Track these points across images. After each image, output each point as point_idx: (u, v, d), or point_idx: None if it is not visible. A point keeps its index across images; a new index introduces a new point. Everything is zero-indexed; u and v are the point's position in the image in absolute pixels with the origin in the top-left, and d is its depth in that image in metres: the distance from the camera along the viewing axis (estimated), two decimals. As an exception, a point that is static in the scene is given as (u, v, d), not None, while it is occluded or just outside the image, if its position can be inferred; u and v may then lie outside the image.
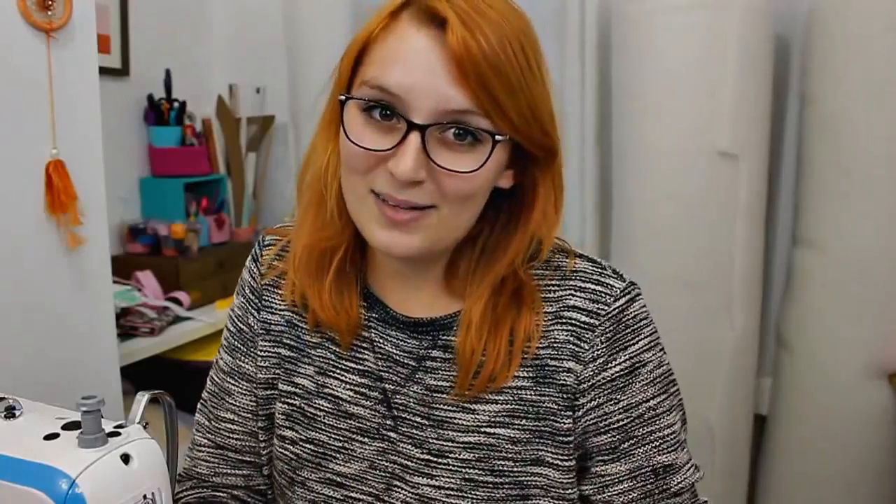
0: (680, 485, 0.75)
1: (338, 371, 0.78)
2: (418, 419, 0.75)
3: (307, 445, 0.79)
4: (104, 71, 1.46)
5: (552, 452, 0.73)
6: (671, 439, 0.75)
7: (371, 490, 0.76)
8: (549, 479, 0.73)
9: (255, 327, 0.83)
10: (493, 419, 0.73)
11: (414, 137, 0.64)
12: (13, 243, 1.15)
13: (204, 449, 0.86)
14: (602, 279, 0.74)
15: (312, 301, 0.77)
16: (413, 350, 0.76)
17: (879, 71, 1.57)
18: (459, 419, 0.74)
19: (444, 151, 0.65)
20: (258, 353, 0.82)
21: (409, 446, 0.75)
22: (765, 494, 1.87)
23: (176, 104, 2.07)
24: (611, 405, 0.73)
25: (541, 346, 0.73)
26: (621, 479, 0.74)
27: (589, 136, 1.92)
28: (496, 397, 0.73)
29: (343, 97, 0.67)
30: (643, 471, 0.74)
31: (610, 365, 0.73)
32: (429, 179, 0.65)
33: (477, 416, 0.73)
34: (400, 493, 0.75)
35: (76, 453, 0.54)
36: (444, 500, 0.73)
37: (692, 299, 1.72)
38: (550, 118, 0.69)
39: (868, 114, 1.59)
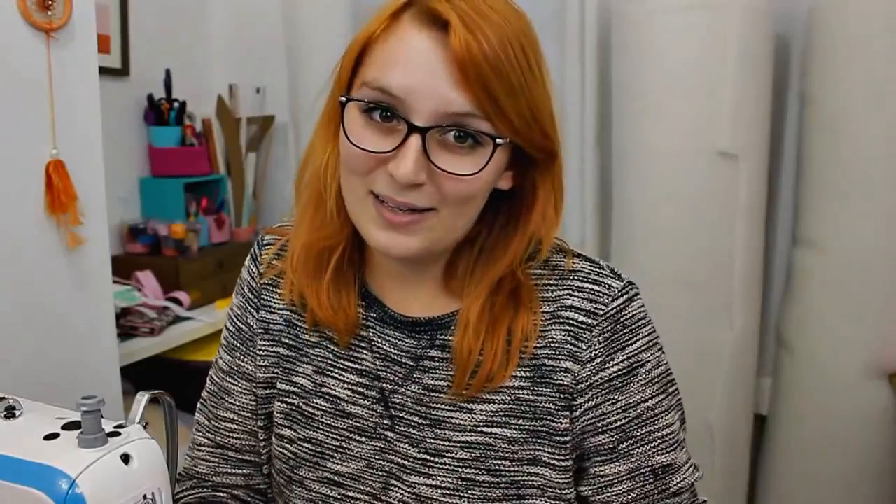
0: (679, 485, 0.75)
1: (336, 370, 0.78)
2: (415, 419, 0.75)
3: (305, 444, 0.79)
4: (104, 71, 1.46)
5: (549, 452, 0.73)
6: (670, 439, 0.75)
7: (368, 489, 0.76)
8: (545, 479, 0.73)
9: (255, 326, 0.83)
10: (490, 419, 0.73)
11: (414, 140, 0.64)
12: (13, 243, 1.16)
13: (204, 448, 0.86)
14: (600, 279, 0.74)
15: (311, 300, 0.77)
16: (411, 350, 0.76)
17: (879, 71, 1.57)
18: (456, 419, 0.74)
19: (445, 154, 0.65)
20: (257, 352, 0.82)
21: (407, 446, 0.75)
22: (765, 494, 1.87)
23: (176, 104, 2.08)
24: (609, 405, 0.73)
25: (538, 345, 0.73)
26: (620, 479, 0.74)
27: (589, 137, 1.92)
28: (493, 397, 0.73)
29: (344, 98, 0.67)
30: (642, 471, 0.74)
31: (608, 365, 0.73)
32: (429, 182, 0.65)
33: (474, 416, 0.73)
34: (397, 493, 0.75)
35: (76, 453, 0.54)
36: (440, 499, 0.73)
37: (692, 299, 1.72)
38: (551, 120, 0.69)
39: (868, 114, 1.59)
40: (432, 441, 0.74)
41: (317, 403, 0.79)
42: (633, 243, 1.79)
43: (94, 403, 0.55)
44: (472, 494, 0.73)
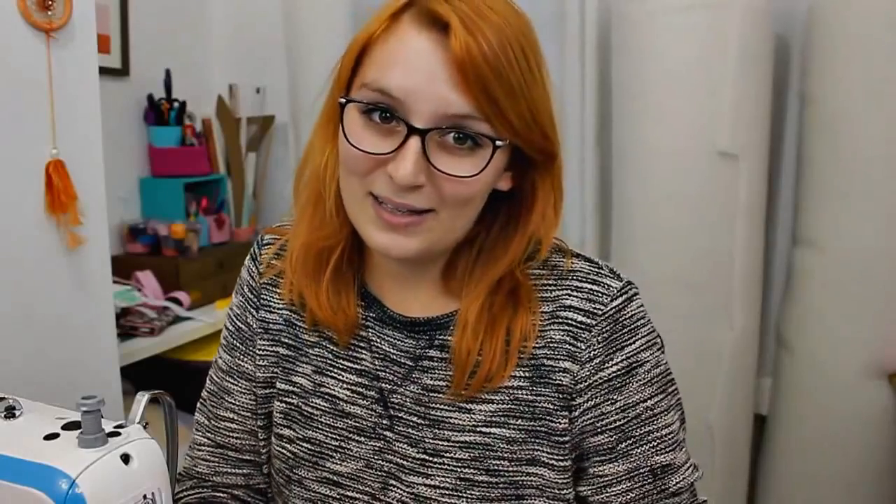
0: (678, 485, 0.75)
1: (335, 370, 0.78)
2: (414, 419, 0.75)
3: (304, 444, 0.79)
4: (104, 71, 1.46)
5: (548, 452, 0.73)
6: (669, 439, 0.75)
7: (367, 489, 0.76)
8: (544, 479, 0.73)
9: (254, 326, 0.83)
10: (488, 419, 0.73)
11: (414, 142, 0.64)
12: (13, 243, 1.16)
13: (204, 448, 0.87)
14: (599, 279, 0.74)
15: (310, 300, 0.77)
16: (410, 350, 0.76)
17: (879, 71, 1.57)
18: (455, 419, 0.74)
19: (444, 155, 0.65)
20: (257, 351, 0.82)
21: (405, 446, 0.75)
22: (765, 494, 1.87)
23: (176, 104, 2.08)
24: (608, 405, 0.73)
25: (537, 345, 0.73)
26: (619, 479, 0.74)
27: (589, 137, 1.92)
28: (492, 397, 0.73)
29: (343, 100, 0.67)
30: (641, 471, 0.74)
31: (607, 365, 0.73)
32: (428, 183, 0.65)
33: (473, 416, 0.73)
34: (396, 493, 0.75)
35: (76, 453, 0.54)
36: (439, 499, 0.73)
37: (692, 299, 1.72)
38: (550, 121, 0.69)
39: (868, 114, 1.59)
40: (431, 441, 0.74)
41: (316, 403, 0.79)
42: (633, 243, 1.79)
43: (94, 403, 0.55)
44: (471, 494, 0.73)
